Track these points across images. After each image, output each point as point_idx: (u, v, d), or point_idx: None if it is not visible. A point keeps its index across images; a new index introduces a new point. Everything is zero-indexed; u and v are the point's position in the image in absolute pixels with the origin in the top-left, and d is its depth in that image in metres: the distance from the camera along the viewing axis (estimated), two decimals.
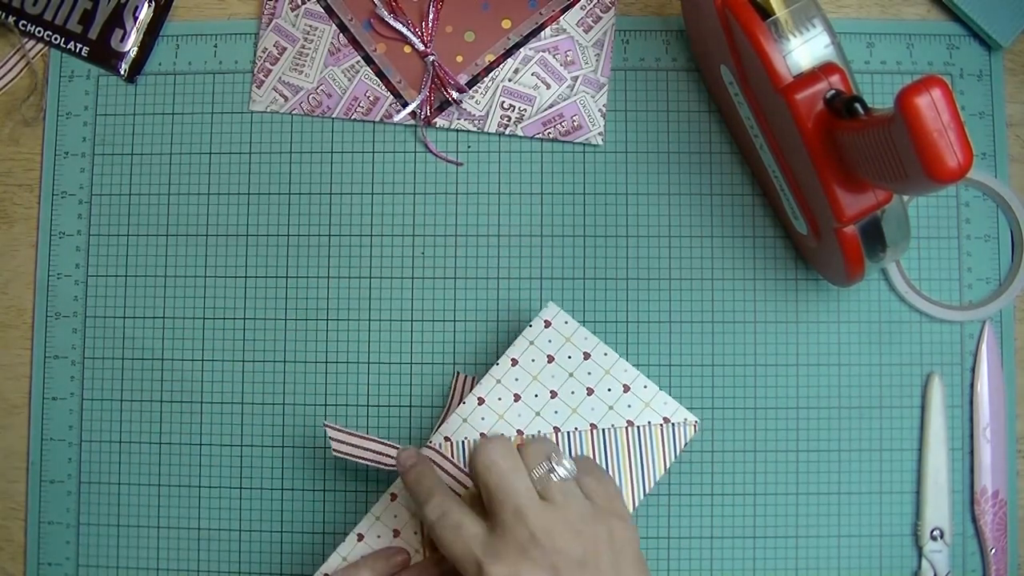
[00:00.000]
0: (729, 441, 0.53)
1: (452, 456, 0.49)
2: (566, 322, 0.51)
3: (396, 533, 0.49)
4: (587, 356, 0.50)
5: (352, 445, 0.49)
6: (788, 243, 0.54)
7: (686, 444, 0.50)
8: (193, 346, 0.55)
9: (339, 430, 0.49)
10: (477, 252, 0.55)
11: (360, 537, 0.49)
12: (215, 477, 0.54)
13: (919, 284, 0.54)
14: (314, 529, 0.54)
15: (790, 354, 0.54)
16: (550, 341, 0.50)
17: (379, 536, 0.48)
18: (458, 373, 0.54)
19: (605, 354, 0.50)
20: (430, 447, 0.49)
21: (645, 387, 0.50)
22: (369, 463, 0.49)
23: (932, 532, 0.52)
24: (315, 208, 0.56)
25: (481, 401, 0.50)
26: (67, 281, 0.56)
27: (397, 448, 0.48)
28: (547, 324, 0.51)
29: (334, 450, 0.48)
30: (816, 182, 0.43)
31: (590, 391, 0.50)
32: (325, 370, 0.55)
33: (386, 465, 0.48)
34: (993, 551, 0.52)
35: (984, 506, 0.52)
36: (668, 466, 0.49)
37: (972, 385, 0.53)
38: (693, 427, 0.50)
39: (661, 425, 0.49)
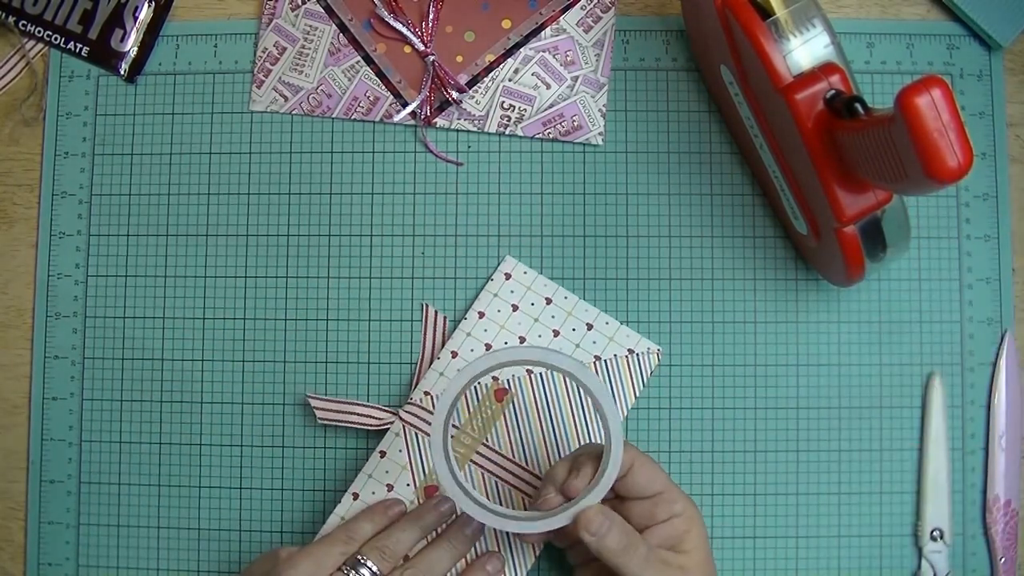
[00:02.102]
0: (729, 441, 0.53)
1: (433, 409, 0.52)
2: (525, 272, 0.54)
3: (389, 487, 0.51)
4: (549, 301, 0.53)
5: (336, 411, 0.53)
6: (788, 243, 0.54)
7: (652, 371, 0.53)
8: (193, 346, 0.55)
9: (322, 399, 0.53)
10: (477, 252, 0.55)
11: (355, 496, 0.51)
12: (215, 477, 0.54)
13: (919, 284, 0.54)
14: (314, 529, 0.54)
15: (790, 354, 0.54)
16: (512, 291, 0.53)
17: (374, 492, 0.51)
18: (425, 304, 0.54)
19: (565, 297, 0.53)
20: (411, 403, 0.52)
21: (607, 323, 0.53)
22: (354, 426, 0.52)
23: (932, 532, 0.52)
24: (315, 208, 0.56)
25: (455, 354, 0.53)
26: (67, 281, 0.56)
27: (380, 409, 0.53)
28: (507, 277, 0.54)
29: (320, 418, 0.53)
30: (816, 182, 0.43)
31: (556, 333, 0.53)
32: (325, 370, 0.55)
33: (370, 426, 0.52)
34: (1003, 560, 0.52)
35: (996, 515, 0.52)
36: (638, 395, 0.53)
37: (989, 394, 0.53)
38: (657, 355, 0.53)
39: (627, 356, 0.53)
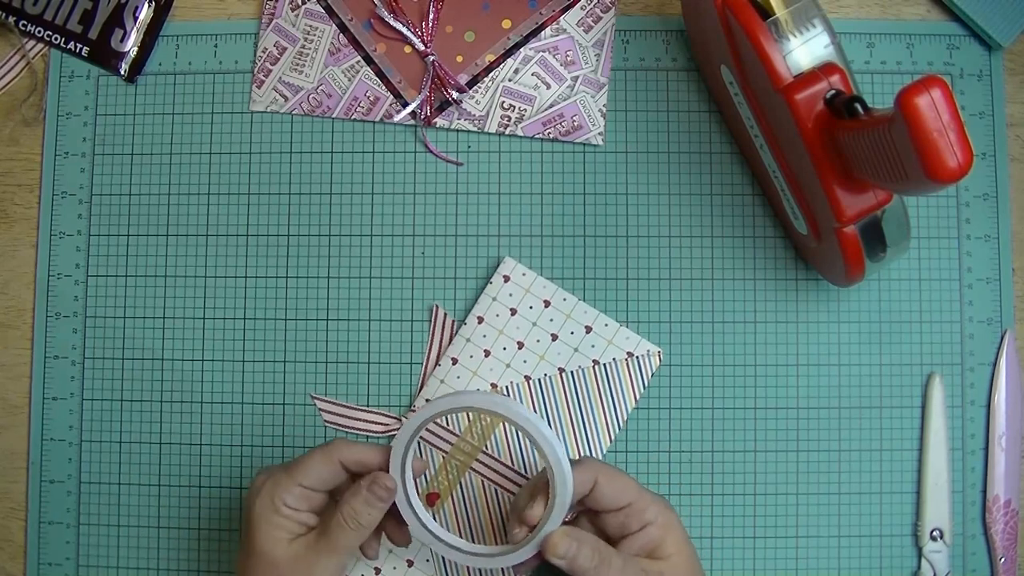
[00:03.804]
0: (729, 441, 0.53)
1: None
2: (523, 274, 0.53)
3: None
4: (547, 304, 0.53)
5: (341, 415, 0.53)
6: (788, 243, 0.54)
7: (653, 373, 0.52)
8: (193, 346, 0.55)
9: (327, 401, 0.53)
10: (477, 252, 0.55)
11: None
12: (215, 477, 0.54)
13: (919, 284, 0.54)
14: None
15: (790, 354, 0.54)
16: (511, 295, 0.53)
17: None
18: (436, 306, 0.54)
19: (564, 299, 0.53)
20: (414, 411, 0.52)
21: (606, 325, 0.53)
22: (359, 432, 0.53)
23: (932, 532, 0.52)
24: (315, 208, 0.56)
25: (455, 361, 0.53)
26: (67, 281, 0.56)
27: (385, 415, 0.53)
28: (506, 279, 0.53)
29: (325, 421, 0.54)
30: (816, 182, 0.43)
31: (554, 337, 0.53)
32: (325, 370, 0.55)
33: (375, 433, 0.53)
34: (1003, 560, 0.52)
35: (996, 515, 0.52)
36: (638, 399, 0.52)
37: (989, 394, 0.53)
38: (657, 356, 0.53)
39: (626, 360, 0.52)
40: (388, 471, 0.44)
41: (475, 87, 0.55)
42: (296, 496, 0.43)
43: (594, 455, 0.52)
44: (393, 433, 0.53)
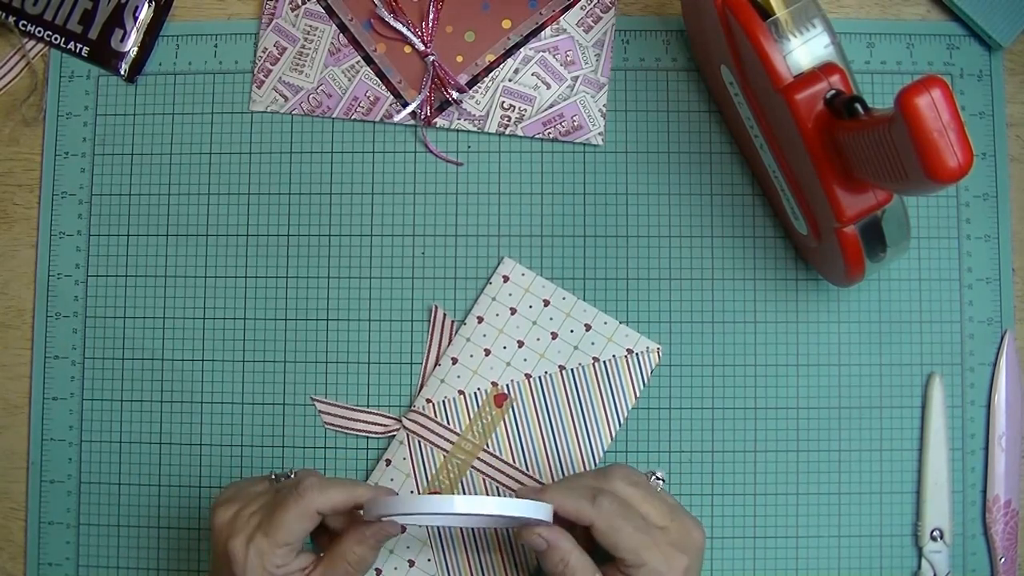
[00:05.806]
0: (729, 441, 0.53)
1: (435, 416, 0.53)
2: (523, 274, 0.54)
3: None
4: (547, 303, 0.53)
5: (341, 418, 0.54)
6: (788, 243, 0.54)
7: (652, 370, 0.53)
8: (193, 346, 0.55)
9: (327, 403, 0.54)
10: (477, 252, 0.55)
11: None
12: (215, 477, 0.54)
13: (919, 284, 0.54)
14: None
15: (790, 354, 0.54)
16: (510, 295, 0.53)
17: None
18: (436, 306, 0.54)
19: (563, 298, 0.53)
20: (414, 411, 0.53)
21: (605, 323, 0.53)
22: (360, 433, 0.53)
23: (932, 532, 0.52)
24: (315, 208, 0.56)
25: (455, 361, 0.53)
26: (67, 281, 0.56)
27: (385, 416, 0.53)
28: (505, 279, 0.54)
29: (325, 423, 0.54)
30: (816, 182, 0.43)
31: (554, 335, 0.53)
32: (325, 370, 0.55)
33: (375, 434, 0.53)
34: (1003, 560, 0.52)
35: (996, 515, 0.52)
36: (638, 395, 0.53)
37: (989, 394, 0.53)
38: (657, 353, 0.53)
39: (626, 357, 0.53)
40: (362, 503, 0.44)
41: (475, 87, 0.55)
42: (283, 554, 0.43)
43: (596, 452, 0.52)
44: (393, 434, 0.53)
